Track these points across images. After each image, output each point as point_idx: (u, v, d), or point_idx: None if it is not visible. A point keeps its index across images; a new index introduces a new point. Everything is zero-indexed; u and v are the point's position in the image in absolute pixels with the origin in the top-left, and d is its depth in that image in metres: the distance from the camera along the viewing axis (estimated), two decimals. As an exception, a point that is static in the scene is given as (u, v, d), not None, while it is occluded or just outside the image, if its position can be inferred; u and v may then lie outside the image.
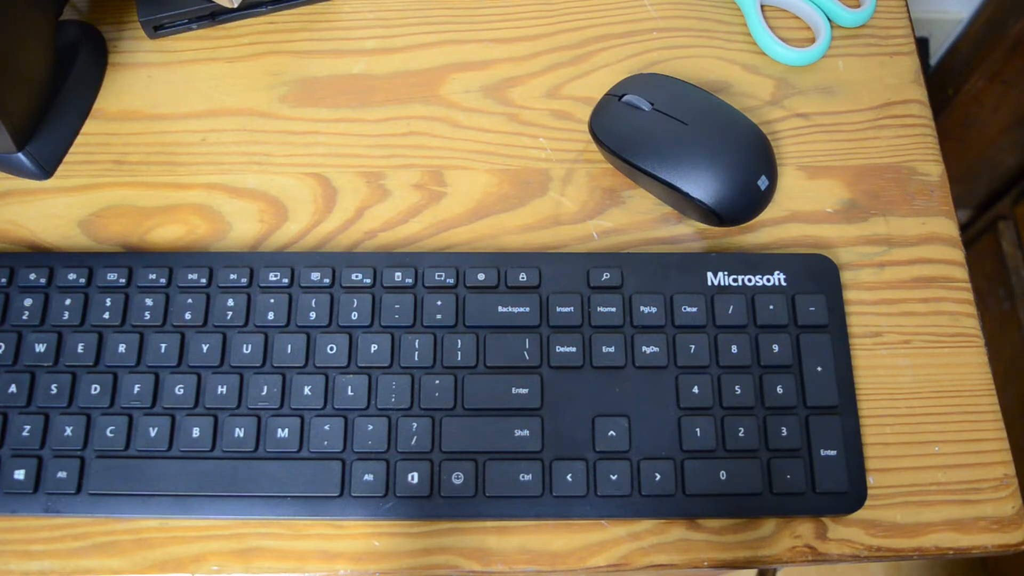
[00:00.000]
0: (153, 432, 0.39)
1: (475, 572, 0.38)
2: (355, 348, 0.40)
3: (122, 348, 0.40)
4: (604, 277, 0.42)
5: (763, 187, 0.42)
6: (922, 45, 1.04)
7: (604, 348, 0.40)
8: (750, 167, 0.42)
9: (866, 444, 0.40)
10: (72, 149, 0.46)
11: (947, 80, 1.03)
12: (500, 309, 0.41)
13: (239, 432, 0.39)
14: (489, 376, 0.40)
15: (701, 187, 0.41)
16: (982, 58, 0.94)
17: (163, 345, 0.40)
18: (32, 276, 0.41)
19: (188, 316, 0.41)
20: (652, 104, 0.43)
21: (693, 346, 0.40)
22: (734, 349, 0.40)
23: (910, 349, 0.42)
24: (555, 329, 0.41)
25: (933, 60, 1.06)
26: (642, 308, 0.41)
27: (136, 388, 0.40)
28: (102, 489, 0.38)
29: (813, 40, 0.49)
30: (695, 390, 0.40)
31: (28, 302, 0.41)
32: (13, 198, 0.45)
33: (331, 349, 0.40)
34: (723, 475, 0.38)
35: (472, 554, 0.39)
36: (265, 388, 0.40)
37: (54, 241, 0.44)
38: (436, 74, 0.48)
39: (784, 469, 0.39)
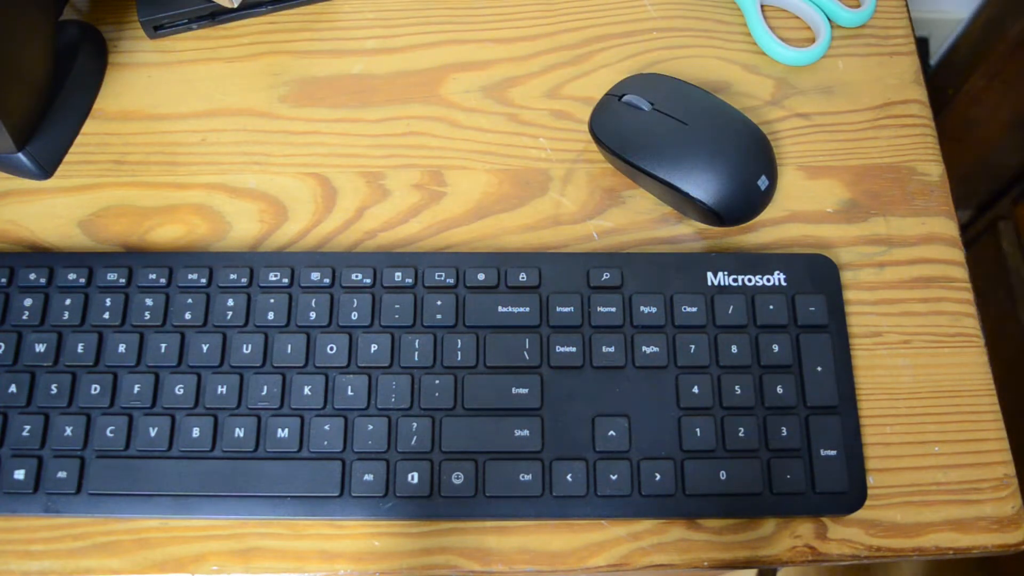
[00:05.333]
0: (153, 432, 0.39)
1: (475, 572, 0.39)
2: (355, 348, 0.40)
3: (122, 348, 0.40)
4: (604, 277, 0.42)
5: (763, 187, 0.42)
6: (922, 45, 1.04)
7: (604, 348, 0.40)
8: (750, 167, 0.42)
9: (866, 444, 0.40)
10: (72, 149, 0.46)
11: (947, 80, 1.03)
12: (500, 309, 0.41)
13: (239, 432, 0.39)
14: (489, 376, 0.40)
15: (701, 187, 0.41)
16: (982, 58, 0.94)
17: (163, 345, 0.40)
18: (32, 276, 0.41)
19: (188, 316, 0.41)
20: (652, 104, 0.43)
21: (693, 346, 0.40)
22: (734, 349, 0.40)
23: (910, 349, 0.42)
24: (555, 329, 0.41)
25: (933, 60, 1.06)
26: (642, 308, 0.41)
27: (136, 388, 0.40)
28: (102, 489, 0.38)
29: (813, 40, 0.49)
30: (695, 390, 0.40)
31: (28, 302, 0.41)
32: (13, 198, 0.45)
33: (331, 349, 0.40)
34: (723, 475, 0.38)
35: (472, 554, 0.39)
36: (265, 388, 0.40)
37: (54, 241, 0.44)
38: (436, 74, 0.48)
39: (784, 469, 0.39)
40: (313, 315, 0.41)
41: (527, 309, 0.41)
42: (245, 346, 0.40)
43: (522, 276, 0.42)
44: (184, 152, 0.46)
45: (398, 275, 0.42)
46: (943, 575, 0.88)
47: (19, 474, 0.38)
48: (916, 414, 0.41)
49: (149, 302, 0.41)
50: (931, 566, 0.88)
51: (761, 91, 0.48)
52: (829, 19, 0.49)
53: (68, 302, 0.41)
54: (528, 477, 0.38)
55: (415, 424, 0.39)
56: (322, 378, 0.40)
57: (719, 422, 0.39)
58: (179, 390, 0.40)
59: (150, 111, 0.47)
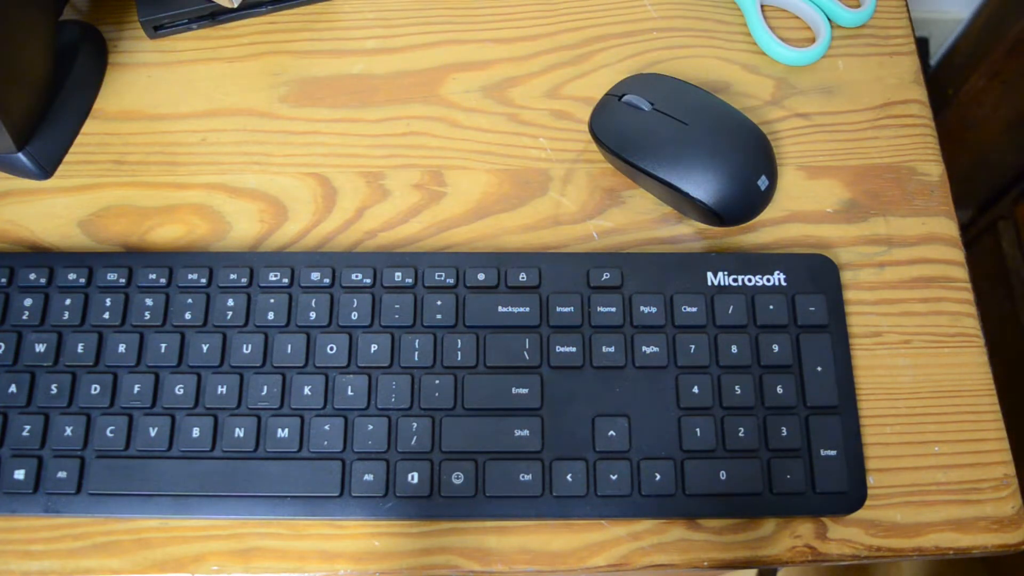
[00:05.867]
0: (153, 432, 0.39)
1: (475, 572, 0.38)
2: (355, 348, 0.40)
3: (122, 348, 0.40)
4: (604, 277, 0.42)
5: (763, 187, 0.42)
6: (922, 45, 1.04)
7: (604, 348, 0.40)
8: (750, 167, 0.42)
9: (866, 444, 0.40)
10: (72, 149, 0.46)
11: (947, 80, 1.03)
12: (500, 309, 0.41)
13: (239, 432, 0.39)
14: (489, 376, 0.40)
15: (701, 187, 0.41)
16: (982, 58, 0.94)
17: (163, 345, 0.40)
18: (32, 276, 0.41)
19: (188, 316, 0.41)
20: (652, 104, 0.43)
21: (693, 346, 0.40)
22: (734, 349, 0.40)
23: (910, 349, 0.42)
24: (555, 329, 0.41)
25: (933, 60, 1.06)
26: (642, 308, 0.41)
27: (136, 388, 0.40)
28: (102, 489, 0.38)
29: (813, 40, 0.49)
30: (695, 390, 0.40)
31: (28, 302, 0.41)
32: (13, 198, 0.45)
33: (331, 349, 0.40)
34: (723, 475, 0.38)
35: (472, 554, 0.39)
36: (265, 388, 0.40)
37: (54, 241, 0.44)
38: (436, 74, 0.48)
39: (784, 469, 0.39)
40: (313, 315, 0.41)
41: (527, 309, 0.41)
42: (245, 346, 0.40)
43: (522, 276, 0.42)
44: (184, 152, 0.46)
45: (398, 275, 0.42)
46: (943, 575, 0.88)
47: (19, 474, 0.38)
48: (916, 414, 0.41)
49: (149, 302, 0.41)
50: (931, 566, 0.88)
51: (761, 91, 0.48)
52: (829, 19, 0.49)
53: (68, 302, 0.41)
54: (528, 477, 0.38)
55: (415, 424, 0.39)
56: (322, 378, 0.40)
57: (719, 422, 0.39)
58: (179, 390, 0.40)
59: (150, 111, 0.47)
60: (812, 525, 0.39)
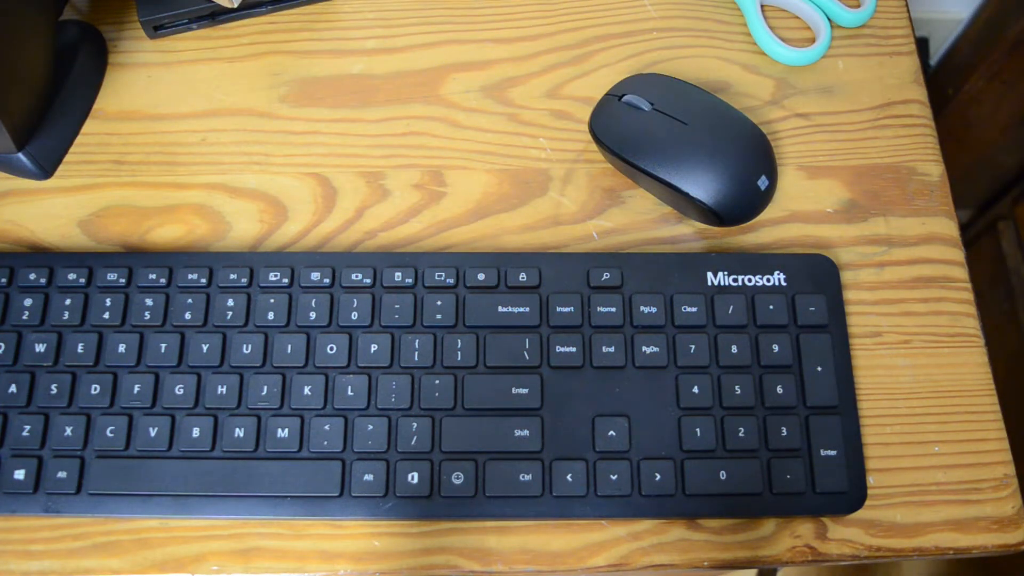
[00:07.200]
0: (153, 432, 0.39)
1: (475, 572, 0.39)
2: (355, 348, 0.40)
3: (122, 348, 0.40)
4: (604, 277, 0.42)
5: (763, 187, 0.42)
6: (922, 45, 1.04)
7: (604, 348, 0.40)
8: (750, 167, 0.42)
9: (866, 444, 0.40)
10: (72, 149, 0.46)
11: (947, 80, 1.03)
12: (500, 309, 0.41)
13: (239, 432, 0.39)
14: (489, 376, 0.40)
15: (701, 187, 0.41)
16: (982, 58, 0.94)
17: (163, 345, 0.40)
18: (32, 276, 0.41)
19: (188, 316, 0.41)
20: (652, 104, 0.43)
21: (693, 346, 0.40)
22: (734, 349, 0.40)
23: (910, 349, 0.42)
24: (555, 329, 0.41)
25: (933, 60, 1.06)
26: (642, 308, 0.41)
27: (136, 388, 0.40)
28: (102, 489, 0.38)
29: (813, 40, 0.49)
30: (695, 390, 0.40)
31: (28, 302, 0.41)
32: (13, 198, 0.45)
33: (331, 349, 0.40)
34: (723, 475, 0.38)
35: (472, 554, 0.39)
36: (265, 388, 0.40)
37: (54, 241, 0.44)
38: (436, 74, 0.48)
39: (784, 469, 0.39)
40: (313, 315, 0.41)
41: (527, 309, 0.41)
42: (245, 346, 0.40)
43: (522, 276, 0.42)
44: (184, 152, 0.46)
45: (398, 275, 0.42)
46: (943, 575, 0.88)
47: (19, 474, 0.38)
48: (916, 414, 0.41)
49: (149, 302, 0.41)
50: (931, 566, 0.88)
51: (761, 91, 0.48)
52: (829, 19, 0.49)
53: (68, 302, 0.41)
54: (528, 477, 0.38)
55: (415, 424, 0.39)
56: (322, 378, 0.40)
57: (719, 422, 0.39)
58: (179, 390, 0.40)
59: (150, 111, 0.47)
60: (812, 525, 0.39)
